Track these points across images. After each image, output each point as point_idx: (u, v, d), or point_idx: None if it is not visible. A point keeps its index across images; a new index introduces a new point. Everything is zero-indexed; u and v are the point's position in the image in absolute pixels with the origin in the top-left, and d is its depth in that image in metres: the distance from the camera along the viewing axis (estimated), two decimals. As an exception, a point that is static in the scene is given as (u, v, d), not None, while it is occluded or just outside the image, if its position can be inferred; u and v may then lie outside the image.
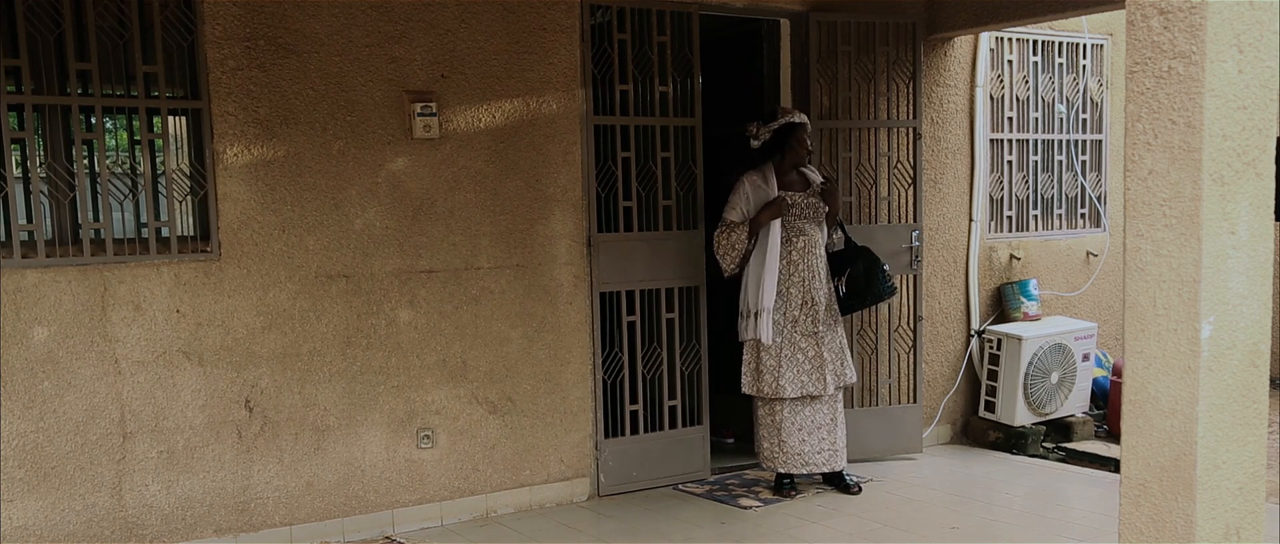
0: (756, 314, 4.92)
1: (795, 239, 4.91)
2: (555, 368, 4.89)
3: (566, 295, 4.90)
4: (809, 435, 5.00)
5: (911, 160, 5.62)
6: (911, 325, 5.68)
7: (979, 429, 6.05)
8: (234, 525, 4.23)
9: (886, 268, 5.09)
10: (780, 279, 4.89)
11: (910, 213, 5.63)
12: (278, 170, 4.23)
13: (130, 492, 4.04)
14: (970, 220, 6.01)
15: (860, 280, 5.04)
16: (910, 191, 5.63)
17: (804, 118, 4.94)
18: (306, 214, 4.30)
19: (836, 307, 5.07)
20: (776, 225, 4.87)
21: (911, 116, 5.60)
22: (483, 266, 4.68)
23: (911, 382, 5.70)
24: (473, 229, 4.64)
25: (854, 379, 5.08)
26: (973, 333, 6.07)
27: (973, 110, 5.98)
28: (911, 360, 5.69)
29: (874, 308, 5.59)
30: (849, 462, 5.22)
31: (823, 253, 4.98)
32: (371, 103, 4.39)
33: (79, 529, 3.95)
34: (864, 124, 5.53)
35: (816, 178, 5.03)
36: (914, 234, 5.60)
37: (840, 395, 5.09)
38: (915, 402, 5.70)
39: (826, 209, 4.98)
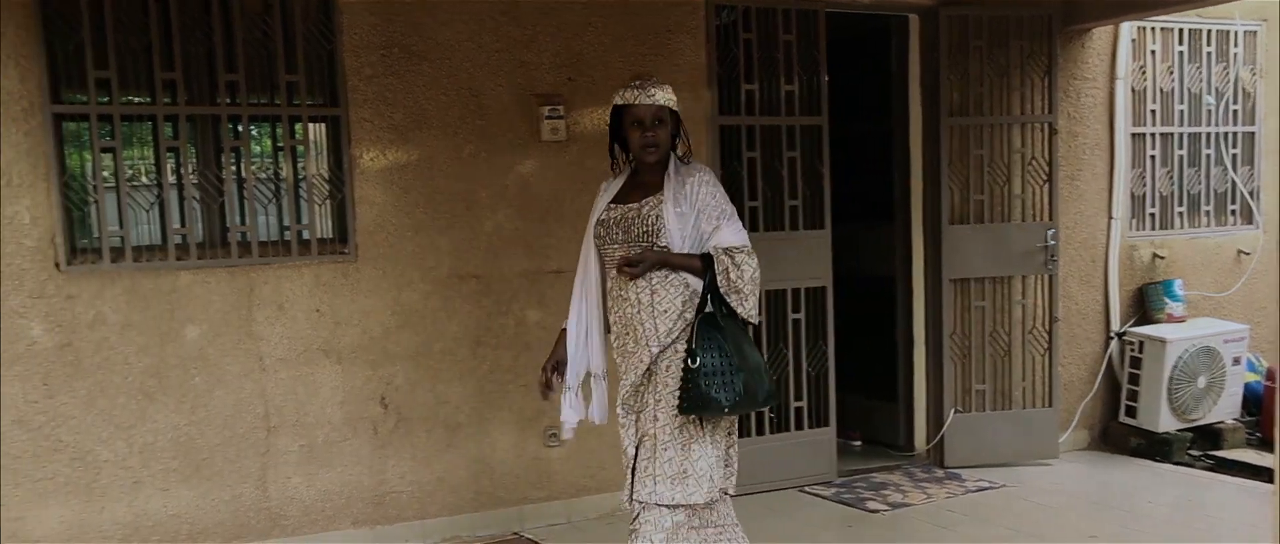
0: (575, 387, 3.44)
1: (611, 271, 3.30)
2: (680, 368, 4.89)
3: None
4: None
5: (1047, 157, 5.44)
6: (1047, 327, 5.49)
7: (1119, 435, 5.82)
8: (370, 518, 4.37)
9: (758, 369, 3.19)
10: (613, 327, 3.33)
11: (1045, 211, 5.45)
12: (411, 174, 4.35)
13: (274, 483, 4.21)
14: (1110, 218, 5.79)
15: (706, 374, 3.06)
16: (1045, 189, 5.45)
17: (652, 95, 3.18)
18: (439, 216, 4.40)
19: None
20: (589, 251, 3.36)
21: (1047, 111, 5.42)
22: (609, 267, 4.71)
23: (1046, 385, 5.51)
24: (599, 230, 4.68)
25: (700, 499, 3.16)
26: (1112, 334, 5.84)
27: (1112, 104, 5.75)
28: (1047, 363, 5.51)
29: (1006, 306, 5.44)
30: (981, 466, 5.07)
31: (654, 298, 3.15)
32: (500, 106, 4.47)
33: (227, 518, 4.13)
34: (996, 120, 5.37)
35: (695, 182, 3.19)
36: (1049, 233, 5.41)
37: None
38: (1051, 405, 5.51)
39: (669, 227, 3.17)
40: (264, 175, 4.27)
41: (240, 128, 4.11)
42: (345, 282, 4.27)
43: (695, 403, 3.06)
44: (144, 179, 4.14)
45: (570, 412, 3.43)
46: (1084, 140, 5.69)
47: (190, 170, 4.06)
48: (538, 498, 4.66)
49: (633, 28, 4.68)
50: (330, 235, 4.33)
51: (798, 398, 5.17)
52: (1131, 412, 5.75)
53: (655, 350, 3.15)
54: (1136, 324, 5.85)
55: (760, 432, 5.10)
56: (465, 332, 4.48)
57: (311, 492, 4.27)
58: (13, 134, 3.74)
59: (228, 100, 4.09)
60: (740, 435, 4.92)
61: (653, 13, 4.71)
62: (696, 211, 3.17)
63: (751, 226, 4.98)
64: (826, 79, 5.09)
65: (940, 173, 5.31)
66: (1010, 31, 5.33)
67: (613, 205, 3.27)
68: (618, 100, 3.25)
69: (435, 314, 4.43)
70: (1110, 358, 5.86)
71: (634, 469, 3.23)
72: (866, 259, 5.84)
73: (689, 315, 3.15)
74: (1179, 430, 5.67)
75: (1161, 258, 5.97)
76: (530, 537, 4.53)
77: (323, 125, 4.30)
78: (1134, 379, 5.73)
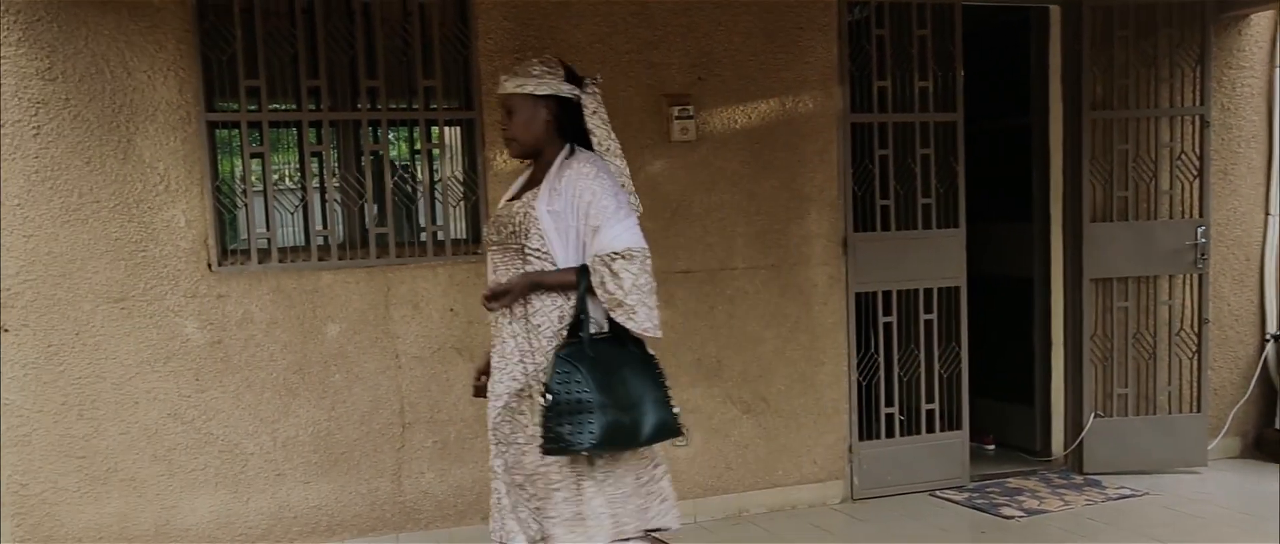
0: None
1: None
2: (809, 369, 4.85)
3: (821, 296, 4.83)
4: None
5: (1197, 150, 5.18)
6: (1195, 329, 5.25)
7: (1273, 442, 5.53)
8: (501, 513, 4.44)
9: (661, 404, 2.82)
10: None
11: (1195, 207, 5.20)
12: (543, 175, 4.39)
13: (408, 478, 4.31)
14: (1266, 215, 5.49)
15: (559, 412, 2.68)
16: (1195, 184, 5.20)
17: (503, 83, 2.90)
18: (569, 217, 4.44)
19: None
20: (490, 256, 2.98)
21: (1197, 103, 5.16)
22: (737, 267, 4.69)
23: (1195, 389, 5.27)
24: (728, 230, 4.66)
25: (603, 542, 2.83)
26: (1268, 337, 5.55)
27: (1271, 94, 5.45)
28: (1195, 366, 5.26)
29: (1151, 307, 5.21)
30: (1122, 473, 4.89)
31: (529, 311, 2.82)
32: (630, 107, 4.47)
33: (363, 511, 4.26)
34: (1143, 113, 5.15)
35: (573, 174, 2.80)
36: (1199, 230, 5.16)
37: None
38: (1199, 411, 5.27)
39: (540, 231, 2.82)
40: (401, 178, 4.37)
41: (379, 132, 4.21)
42: (478, 281, 4.34)
43: (551, 443, 2.68)
44: (289, 183, 4.29)
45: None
46: (1239, 133, 5.41)
47: (332, 174, 4.18)
48: (665, 497, 4.67)
49: (763, 26, 4.63)
50: (464, 236, 4.41)
51: (929, 400, 5.06)
52: (1288, 419, 5.47)
53: (531, 370, 2.78)
54: (1294, 327, 5.56)
55: (889, 434, 5.01)
56: (594, 331, 4.51)
57: (444, 487, 4.36)
58: (171, 141, 3.92)
59: (368, 106, 4.20)
60: (866, 437, 4.96)
61: (783, 11, 4.65)
62: (575, 210, 2.75)
63: (882, 225, 4.90)
64: (963, 74, 4.95)
65: (1082, 169, 5.12)
66: (1159, 20, 5.09)
67: (505, 202, 2.96)
68: (501, 83, 2.96)
69: (565, 314, 4.47)
70: (1266, 361, 5.57)
71: (510, 507, 2.87)
72: (1001, 258, 5.67)
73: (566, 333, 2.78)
74: (1340, 440, 5.37)
75: (1322, 257, 5.65)
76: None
77: (458, 129, 4.37)
78: (1291, 385, 5.45)
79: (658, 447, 2.92)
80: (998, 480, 5.22)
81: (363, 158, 4.22)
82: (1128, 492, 4.96)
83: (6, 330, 3.78)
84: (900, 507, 4.87)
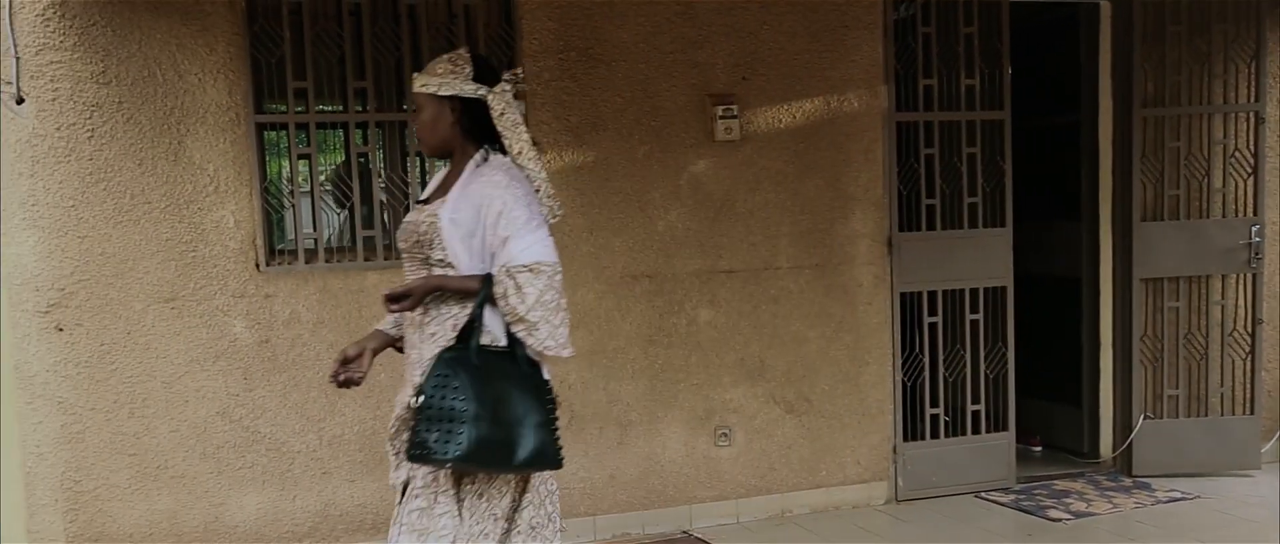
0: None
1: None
2: (854, 369, 4.82)
3: (866, 295, 4.80)
4: None
5: (1251, 147, 5.09)
6: (1249, 329, 5.15)
7: (1328, 446, 5.44)
8: (545, 512, 4.46)
9: (543, 421, 2.61)
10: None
11: (1249, 205, 5.11)
12: (587, 175, 4.39)
13: (454, 476, 4.34)
14: (1323, 213, 5.39)
15: (428, 417, 2.51)
16: (1249, 182, 5.10)
17: (424, 79, 2.72)
18: (613, 217, 4.44)
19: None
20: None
21: (1252, 99, 5.07)
22: (781, 266, 4.67)
23: (1248, 391, 5.18)
24: (772, 229, 4.64)
25: None
26: (1322, 339, 5.45)
27: (1328, 90, 5.34)
28: (1248, 368, 5.17)
29: (1203, 307, 5.13)
30: (1172, 475, 4.82)
31: (424, 319, 2.67)
32: (675, 107, 4.46)
33: (411, 509, 4.29)
34: (1195, 110, 5.06)
35: (482, 183, 2.63)
36: (1254, 229, 5.07)
37: None
38: (1252, 413, 5.18)
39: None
40: (446, 178, 4.39)
41: (424, 133, 4.23)
42: (522, 281, 4.35)
43: (412, 447, 2.51)
44: (335, 183, 4.32)
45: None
46: (1294, 129, 5.31)
47: (378, 174, 4.20)
48: (707, 497, 4.66)
49: (808, 25, 4.60)
50: (508, 235, 4.42)
51: (975, 401, 5.01)
52: (1344, 422, 5.36)
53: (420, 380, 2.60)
54: (1350, 328, 5.44)
55: (934, 435, 4.97)
56: (638, 331, 4.51)
57: (489, 485, 4.38)
58: (220, 143, 3.96)
59: (413, 107, 4.21)
60: (911, 437, 4.92)
61: (829, 10, 4.61)
62: (482, 221, 2.58)
63: (928, 225, 4.86)
64: (1010, 72, 4.90)
65: (1132, 167, 5.05)
66: (1212, 15, 5.01)
67: (417, 206, 2.80)
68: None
69: (609, 314, 4.47)
70: (1320, 364, 5.47)
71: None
72: (1049, 257, 5.60)
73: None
74: (1399, 444, 5.26)
75: (1380, 256, 5.52)
76: (699, 536, 4.55)
77: (502, 129, 4.38)
78: (1347, 387, 5.34)
79: (552, 480, 2.74)
80: (1044, 482, 5.16)
81: (408, 158, 4.25)
82: (1178, 495, 4.89)
83: (61, 329, 3.84)
84: (945, 508, 4.83)
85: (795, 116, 4.63)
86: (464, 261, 2.61)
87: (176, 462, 4.00)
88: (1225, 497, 4.86)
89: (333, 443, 4.18)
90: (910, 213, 4.87)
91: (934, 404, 4.97)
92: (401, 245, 2.74)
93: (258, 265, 4.04)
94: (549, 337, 2.59)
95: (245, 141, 3.98)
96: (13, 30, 3.66)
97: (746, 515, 4.71)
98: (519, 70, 2.78)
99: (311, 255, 4.13)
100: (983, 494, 4.99)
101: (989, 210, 4.95)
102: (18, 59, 3.67)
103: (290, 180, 4.10)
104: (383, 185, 4.23)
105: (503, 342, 2.61)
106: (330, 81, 4.12)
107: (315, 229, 4.13)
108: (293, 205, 4.10)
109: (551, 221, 2.72)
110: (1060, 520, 4.62)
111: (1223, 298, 5.17)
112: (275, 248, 4.15)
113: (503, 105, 2.67)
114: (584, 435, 4.47)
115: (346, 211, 4.20)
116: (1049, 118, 5.55)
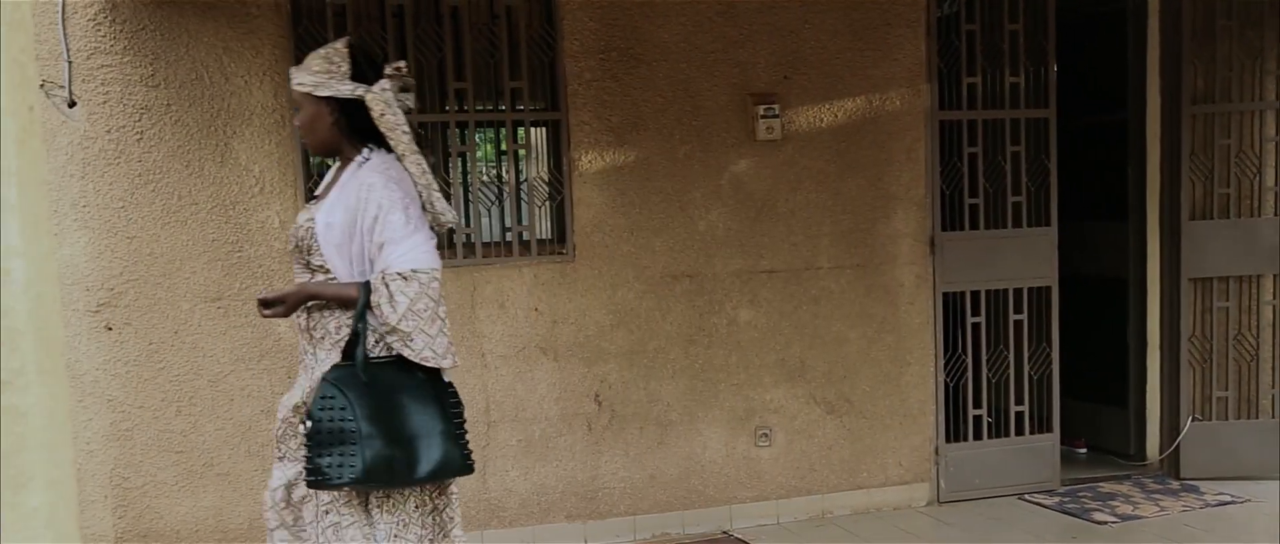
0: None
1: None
2: (895, 370, 4.78)
3: (907, 295, 4.77)
4: None
5: (1305, 145, 5.00)
6: (1300, 331, 5.07)
7: (1383, 450, 5.31)
8: (582, 513, 4.47)
9: (450, 428, 2.56)
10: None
11: (1303, 204, 5.02)
12: (627, 175, 4.40)
13: (493, 476, 4.36)
14: (1378, 212, 5.27)
15: (319, 441, 2.47)
16: (1303, 180, 5.02)
17: (300, 77, 2.62)
18: (653, 217, 4.44)
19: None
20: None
21: (1306, 96, 4.98)
22: (822, 266, 4.65)
23: (1299, 394, 5.10)
24: (813, 229, 4.62)
25: None
26: (1377, 340, 5.32)
27: (1384, 86, 5.22)
28: (1300, 370, 5.09)
29: (1254, 307, 5.03)
30: (1221, 478, 4.74)
31: (310, 322, 2.62)
32: (716, 107, 4.45)
33: (452, 507, 4.32)
34: (1247, 107, 4.97)
35: (358, 185, 2.55)
36: (1307, 228, 4.98)
37: None
38: (1304, 415, 5.09)
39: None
40: (488, 179, 4.41)
41: (466, 134, 4.26)
42: (563, 281, 4.37)
43: (312, 475, 2.45)
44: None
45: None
46: (1350, 126, 5.20)
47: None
48: (746, 498, 4.65)
49: (850, 23, 4.57)
50: (549, 236, 4.44)
51: (1018, 402, 4.96)
52: (1399, 425, 5.24)
53: (312, 385, 2.56)
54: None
55: (977, 436, 4.92)
56: (678, 330, 4.51)
57: (528, 484, 4.40)
58: (266, 145, 4.01)
59: (455, 107, 4.24)
60: (953, 439, 4.87)
61: (871, 7, 4.58)
62: (359, 225, 2.50)
63: (971, 224, 4.81)
64: (1055, 69, 4.83)
65: (1180, 165, 4.97)
66: (1264, 10, 4.91)
67: (305, 207, 2.68)
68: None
69: (649, 313, 4.47)
70: (1374, 366, 5.35)
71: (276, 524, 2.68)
72: (1095, 257, 5.53)
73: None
74: None
75: None
76: (739, 536, 4.54)
77: (543, 129, 4.40)
78: (1403, 390, 5.21)
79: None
80: (1089, 485, 5.10)
81: (450, 159, 4.27)
82: (1227, 498, 4.81)
83: (110, 329, 3.90)
84: (988, 510, 4.79)
85: (837, 115, 4.60)
86: (341, 269, 2.54)
87: (222, 459, 4.06)
88: (1276, 501, 4.77)
89: (375, 441, 4.21)
90: (953, 212, 4.83)
91: (977, 405, 4.92)
92: (288, 247, 2.63)
93: (302, 265, 4.08)
94: (425, 347, 2.48)
95: (290, 143, 4.02)
96: (65, 35, 3.73)
97: (786, 516, 4.69)
98: (401, 64, 2.60)
99: (355, 255, 4.16)
100: (1026, 496, 4.94)
101: (1033, 209, 4.89)
102: (70, 63, 3.74)
103: (334, 181, 4.13)
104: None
105: (392, 351, 2.53)
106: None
107: (358, 229, 4.16)
108: (336, 206, 4.13)
109: (438, 232, 2.63)
110: (1105, 523, 4.56)
111: (1275, 298, 5.07)
112: (319, 248, 4.19)
113: (382, 106, 2.54)
114: (624, 435, 4.48)
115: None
116: (1095, 115, 5.47)
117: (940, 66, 4.71)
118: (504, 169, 4.36)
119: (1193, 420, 5.08)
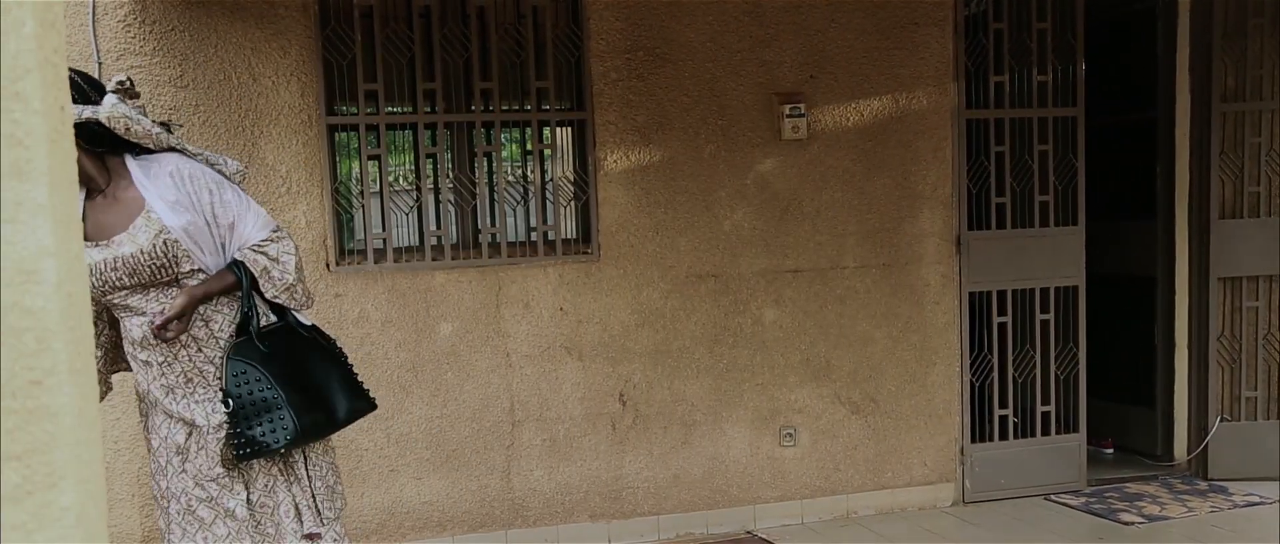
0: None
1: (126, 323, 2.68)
2: (920, 369, 4.76)
3: (933, 295, 4.74)
4: None
5: (1336, 144, 4.94)
6: (1331, 331, 5.02)
7: None
8: (606, 512, 4.47)
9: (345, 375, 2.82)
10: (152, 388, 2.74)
11: (1333, 204, 4.96)
12: (653, 175, 4.38)
13: (517, 475, 4.37)
14: None
15: (247, 415, 2.61)
16: (1334, 179, 4.96)
17: (112, 101, 2.53)
18: (679, 216, 4.43)
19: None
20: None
21: (1338, 94, 4.92)
22: (848, 266, 4.63)
23: (1329, 395, 5.05)
24: (838, 228, 4.60)
25: None
26: None
27: None
28: (1330, 371, 5.03)
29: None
30: (1251, 479, 4.70)
31: (210, 326, 2.65)
32: (741, 106, 4.44)
33: (474, 508, 4.33)
34: (1278, 105, 4.91)
35: (175, 175, 2.58)
36: (1338, 228, 4.93)
37: None
38: (1334, 417, 5.04)
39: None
40: (513, 178, 4.41)
41: (492, 133, 4.26)
42: (588, 281, 4.37)
43: (243, 445, 2.57)
44: (404, 184, 4.35)
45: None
46: (1381, 125, 5.13)
47: (446, 175, 4.23)
48: (771, 497, 4.64)
49: (876, 22, 4.54)
50: (574, 236, 4.43)
51: (1045, 402, 4.93)
52: None
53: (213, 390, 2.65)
54: None
55: (1003, 436, 4.90)
56: (703, 330, 4.50)
57: (552, 484, 4.40)
58: (292, 144, 4.01)
59: (481, 107, 4.24)
60: (979, 439, 4.85)
61: (898, 6, 4.55)
62: (200, 214, 2.56)
63: (997, 223, 4.78)
64: (1084, 67, 4.79)
65: (1210, 163, 4.92)
66: (1296, 7, 4.86)
67: (96, 249, 2.54)
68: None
69: (674, 313, 4.47)
70: (1405, 366, 5.29)
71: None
72: (1122, 256, 5.48)
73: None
74: None
75: None
76: (763, 536, 4.53)
77: (569, 129, 4.39)
78: None
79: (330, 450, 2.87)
80: (1116, 485, 5.07)
81: (476, 159, 4.27)
82: (1256, 499, 4.77)
83: (139, 328, 3.92)
84: (1013, 511, 4.77)
85: (863, 114, 4.57)
86: (211, 262, 2.61)
87: (250, 458, 4.07)
88: (1306, 502, 4.74)
89: (399, 441, 4.22)
90: (980, 211, 4.80)
91: (1002, 405, 4.90)
92: (124, 283, 2.55)
93: (328, 265, 4.09)
94: (305, 295, 2.75)
95: (317, 143, 4.03)
96: (96, 36, 3.74)
97: (811, 516, 4.68)
98: (124, 78, 2.60)
99: (381, 255, 4.17)
100: (1052, 497, 4.91)
101: (1061, 208, 4.85)
102: (100, 64, 3.75)
103: (360, 181, 4.14)
104: (451, 186, 4.25)
105: (274, 319, 2.71)
106: (400, 83, 4.16)
107: (384, 229, 4.17)
108: (362, 206, 4.14)
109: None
110: (1132, 524, 4.53)
111: (1305, 298, 5.03)
112: (345, 248, 4.20)
113: (123, 120, 2.50)
114: (649, 434, 4.48)
115: (415, 212, 4.23)
116: (1124, 114, 5.42)
117: (968, 65, 4.68)
118: (529, 169, 4.35)
119: (1221, 420, 5.04)
